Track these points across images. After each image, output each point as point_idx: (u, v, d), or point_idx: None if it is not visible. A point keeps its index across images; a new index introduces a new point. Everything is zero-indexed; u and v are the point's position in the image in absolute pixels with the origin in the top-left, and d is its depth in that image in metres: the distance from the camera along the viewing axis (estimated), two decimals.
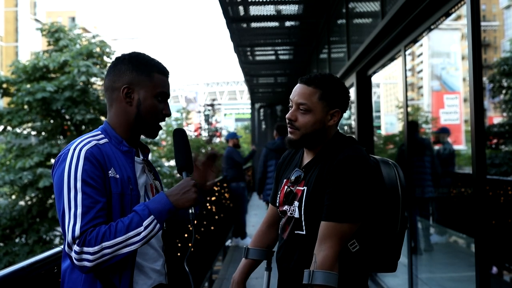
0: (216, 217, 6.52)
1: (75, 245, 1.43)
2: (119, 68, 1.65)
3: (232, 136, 8.20)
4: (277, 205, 1.92)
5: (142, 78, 1.63)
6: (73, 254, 1.44)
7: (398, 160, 5.56)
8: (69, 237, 1.44)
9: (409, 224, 4.27)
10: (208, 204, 5.84)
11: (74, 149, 1.54)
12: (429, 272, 5.09)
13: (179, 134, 1.72)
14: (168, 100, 1.74)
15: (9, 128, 13.98)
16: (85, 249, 1.43)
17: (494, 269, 3.90)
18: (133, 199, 1.58)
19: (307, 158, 1.86)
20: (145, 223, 1.48)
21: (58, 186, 1.51)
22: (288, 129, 1.82)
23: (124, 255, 1.46)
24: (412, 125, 5.10)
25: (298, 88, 1.81)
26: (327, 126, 1.79)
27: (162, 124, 1.74)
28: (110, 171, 1.55)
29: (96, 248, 1.43)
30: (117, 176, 1.56)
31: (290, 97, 1.83)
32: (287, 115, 1.81)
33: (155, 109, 1.65)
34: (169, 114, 1.70)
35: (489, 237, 2.56)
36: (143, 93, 1.63)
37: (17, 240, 12.88)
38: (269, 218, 2.05)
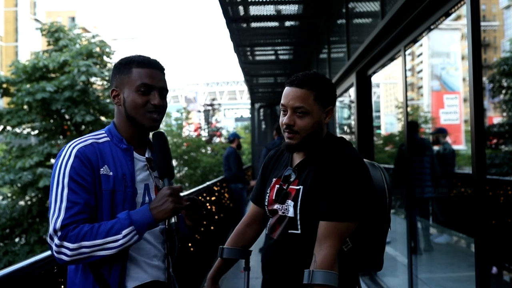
0: (216, 217, 6.52)
1: (56, 238, 1.50)
2: (110, 77, 1.74)
3: (236, 135, 8.21)
4: (266, 204, 1.89)
5: (122, 77, 1.69)
6: (53, 246, 1.51)
7: (398, 160, 5.57)
8: (51, 228, 1.52)
9: (409, 224, 4.27)
10: (208, 204, 5.85)
11: (69, 147, 1.62)
12: (429, 272, 5.09)
13: (158, 138, 1.67)
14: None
15: (8, 128, 13.98)
16: (65, 243, 1.49)
17: (494, 269, 3.90)
18: (126, 196, 1.61)
19: (298, 157, 1.85)
20: (124, 232, 1.51)
21: (51, 181, 1.60)
22: (286, 134, 1.78)
23: (101, 257, 1.51)
24: (411, 125, 5.09)
25: (291, 92, 1.75)
26: (323, 125, 1.80)
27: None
28: (102, 169, 1.60)
29: (75, 245, 1.49)
30: (110, 173, 1.60)
31: (283, 102, 1.77)
32: (284, 121, 1.76)
33: (137, 102, 1.65)
34: (157, 104, 1.65)
35: (489, 237, 2.56)
36: (126, 91, 1.67)
37: (17, 240, 12.88)
38: (249, 217, 2.04)
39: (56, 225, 1.51)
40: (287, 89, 1.78)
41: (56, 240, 1.50)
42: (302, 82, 1.75)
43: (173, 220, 1.57)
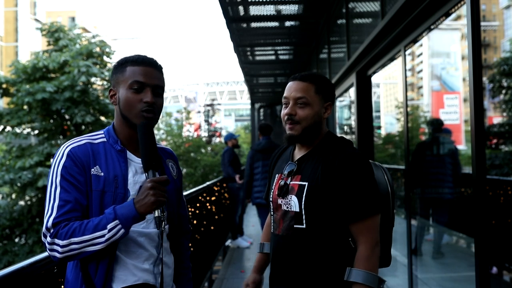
0: (216, 217, 6.52)
1: (48, 236, 1.54)
2: (110, 78, 1.77)
3: (229, 137, 8.28)
4: (270, 200, 1.95)
5: (118, 76, 1.71)
6: (46, 243, 1.55)
7: (415, 159, 5.46)
8: (44, 226, 1.55)
9: (409, 225, 4.27)
10: (208, 204, 5.85)
11: (63, 147, 1.66)
12: (429, 272, 5.09)
13: (143, 129, 1.63)
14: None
15: (8, 128, 13.99)
16: (56, 240, 1.53)
17: (494, 269, 3.90)
18: (116, 198, 1.61)
19: (299, 153, 1.91)
20: (110, 226, 1.53)
21: (47, 180, 1.64)
22: (287, 125, 1.85)
23: (91, 252, 1.53)
24: (435, 123, 5.05)
25: (294, 84, 1.87)
26: (323, 119, 1.87)
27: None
28: (93, 169, 1.62)
29: (65, 242, 1.52)
30: (101, 174, 1.62)
31: (285, 94, 1.87)
32: (285, 111, 1.85)
33: (129, 100, 1.65)
34: (149, 102, 1.64)
35: (489, 237, 2.56)
36: (121, 90, 1.69)
37: (17, 240, 12.89)
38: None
39: (48, 223, 1.54)
40: (290, 83, 1.89)
41: (48, 238, 1.53)
42: (304, 76, 1.87)
43: (156, 213, 1.55)
